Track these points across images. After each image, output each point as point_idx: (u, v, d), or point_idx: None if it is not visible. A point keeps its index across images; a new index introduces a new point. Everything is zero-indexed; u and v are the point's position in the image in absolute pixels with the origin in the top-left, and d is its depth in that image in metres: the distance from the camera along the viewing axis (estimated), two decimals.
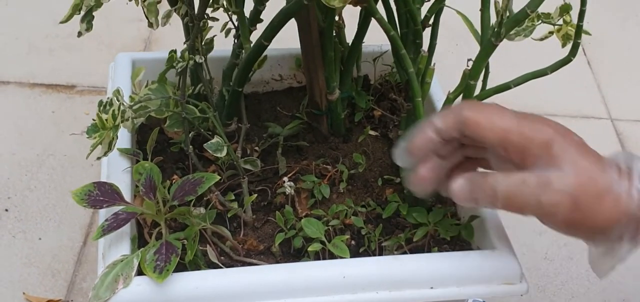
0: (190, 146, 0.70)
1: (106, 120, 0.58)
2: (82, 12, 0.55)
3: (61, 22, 0.54)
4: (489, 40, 0.64)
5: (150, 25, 0.61)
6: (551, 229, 0.58)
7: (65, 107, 1.21)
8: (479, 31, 0.67)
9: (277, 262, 0.67)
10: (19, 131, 1.15)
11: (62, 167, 1.10)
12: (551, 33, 0.72)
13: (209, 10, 0.67)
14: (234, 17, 0.72)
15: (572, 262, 1.01)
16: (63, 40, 1.36)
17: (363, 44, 0.78)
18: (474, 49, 0.67)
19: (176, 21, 0.71)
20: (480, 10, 0.65)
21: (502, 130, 0.56)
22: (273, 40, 0.69)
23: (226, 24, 0.74)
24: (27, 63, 1.30)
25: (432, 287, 0.62)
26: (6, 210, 1.03)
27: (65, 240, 0.99)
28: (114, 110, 0.58)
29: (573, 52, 0.65)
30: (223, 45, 0.78)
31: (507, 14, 0.63)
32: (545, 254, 1.02)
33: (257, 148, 0.77)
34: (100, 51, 1.34)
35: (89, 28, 0.56)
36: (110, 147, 0.59)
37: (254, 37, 0.71)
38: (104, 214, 0.64)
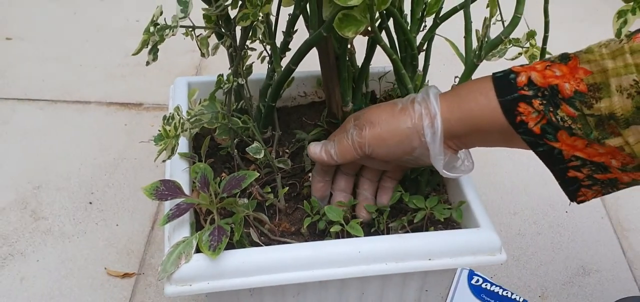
0: (235, 150, 0.70)
1: (169, 131, 0.58)
2: (149, 46, 0.55)
3: (133, 55, 0.54)
4: (471, 61, 0.64)
5: (203, 55, 0.61)
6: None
7: (135, 121, 1.22)
8: (464, 54, 0.66)
9: (306, 240, 0.66)
10: (98, 141, 1.16)
11: (133, 168, 1.10)
12: (520, 54, 0.71)
13: (248, 42, 0.67)
14: (268, 47, 0.72)
15: (540, 237, 1.00)
16: (132, 68, 1.37)
17: (370, 66, 0.78)
18: (459, 68, 0.66)
19: (221, 52, 0.71)
20: (464, 37, 0.64)
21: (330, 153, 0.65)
22: (299, 65, 0.69)
23: (261, 52, 0.74)
24: (104, 86, 1.31)
25: (430, 259, 0.62)
26: (90, 203, 1.03)
27: (137, 226, 1.00)
28: (175, 123, 0.58)
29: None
30: (259, 69, 0.78)
31: (486, 39, 0.63)
32: (518, 230, 1.01)
33: (287, 150, 0.77)
34: (161, 76, 1.34)
35: (155, 58, 0.56)
36: (172, 152, 0.59)
37: (284, 62, 0.71)
38: (168, 205, 0.64)
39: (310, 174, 0.72)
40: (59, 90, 1.29)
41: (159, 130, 0.60)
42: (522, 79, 0.54)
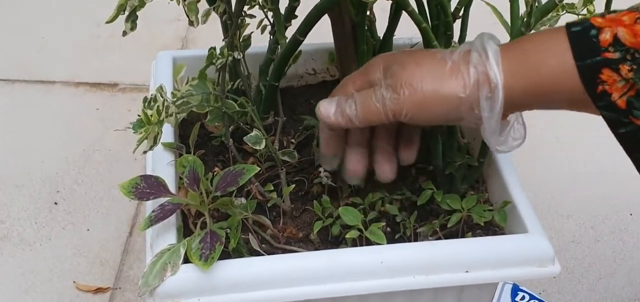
0: (231, 139, 0.69)
1: (151, 116, 0.58)
2: (127, 12, 0.54)
3: (107, 22, 0.54)
4: (518, 30, 0.63)
5: (191, 23, 0.60)
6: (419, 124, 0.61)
7: (109, 105, 1.22)
8: (508, 21, 0.66)
9: (316, 249, 0.66)
10: (65, 128, 1.17)
11: (107, 161, 1.11)
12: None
13: (246, 8, 0.66)
14: (270, 14, 0.71)
15: (599, 245, 1.00)
16: (105, 40, 1.37)
17: (394, 37, 0.77)
18: (503, 38, 0.66)
19: (211, 21, 0.71)
20: (510, 1, 0.64)
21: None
22: (307, 36, 0.69)
23: (262, 20, 0.74)
24: (72, 63, 1.31)
25: (467, 271, 0.61)
26: (56, 203, 1.03)
27: (112, 231, 1.00)
28: (158, 107, 0.57)
29: None
30: (259, 42, 0.78)
31: (536, 4, 0.62)
32: (573, 237, 1.01)
33: (293, 140, 0.77)
34: (140, 51, 1.34)
35: (133, 27, 0.56)
36: (155, 142, 0.59)
37: (289, 32, 0.71)
38: (150, 205, 0.64)
39: (321, 170, 0.71)
40: (16, 67, 1.29)
41: (139, 116, 0.60)
42: (606, 36, 0.50)
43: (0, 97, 1.23)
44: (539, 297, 0.90)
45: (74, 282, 0.93)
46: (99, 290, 0.92)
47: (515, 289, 0.91)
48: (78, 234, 0.99)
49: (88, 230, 1.00)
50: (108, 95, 1.24)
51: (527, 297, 0.90)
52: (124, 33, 0.55)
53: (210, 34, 1.37)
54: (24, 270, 0.94)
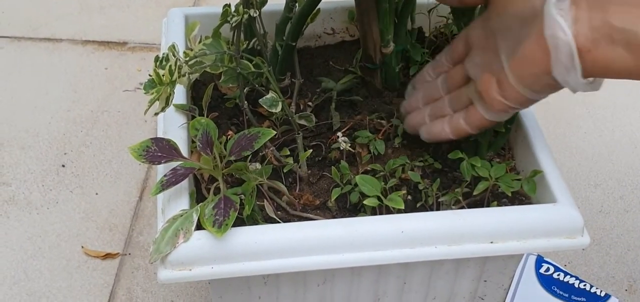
0: (245, 102, 0.69)
1: (163, 76, 0.57)
2: None
3: None
4: None
5: None
6: None
7: (118, 64, 1.21)
8: None
9: (333, 217, 0.66)
10: (72, 88, 1.16)
11: (116, 123, 1.10)
12: None
13: None
14: None
15: (628, 215, 0.99)
16: None
17: None
18: None
19: None
20: None
21: None
22: None
23: None
24: (79, 20, 1.30)
25: (492, 242, 0.61)
26: (63, 166, 1.04)
27: (121, 195, 1.00)
28: (170, 66, 0.57)
29: None
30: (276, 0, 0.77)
31: None
32: (601, 206, 1.00)
33: (310, 103, 0.76)
34: (149, 8, 1.34)
35: None
36: (167, 103, 0.59)
37: None
38: (162, 169, 0.64)
39: (338, 134, 0.71)
40: (22, 24, 1.29)
41: (150, 75, 0.59)
42: None
43: (6, 55, 1.23)
44: (564, 270, 0.90)
45: (82, 247, 0.93)
46: (108, 255, 0.92)
47: (540, 261, 0.91)
48: (86, 197, 0.99)
49: (97, 194, 1.00)
50: (117, 54, 1.23)
51: (552, 269, 0.90)
52: None
53: None
54: (31, 234, 0.94)
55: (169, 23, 0.79)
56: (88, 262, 0.91)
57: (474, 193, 0.65)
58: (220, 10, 0.78)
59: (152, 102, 0.58)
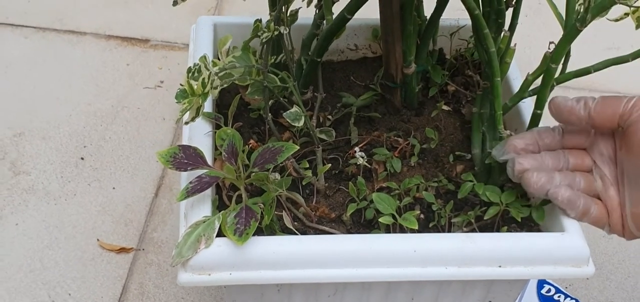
0: (269, 114, 0.71)
1: (196, 88, 0.60)
2: None
3: None
4: (573, 25, 0.64)
5: None
6: None
7: (140, 61, 1.24)
8: (563, 15, 0.67)
9: (348, 231, 0.68)
10: (94, 82, 1.19)
11: (135, 119, 1.13)
12: (627, 14, 0.71)
13: None
14: None
15: (630, 242, 1.01)
16: None
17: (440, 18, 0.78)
18: (555, 31, 0.67)
19: None
20: None
21: None
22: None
23: None
24: (103, 14, 1.33)
25: (500, 266, 0.63)
26: (82, 158, 1.07)
27: (138, 191, 1.03)
28: (203, 79, 0.60)
29: None
30: (303, 14, 0.79)
31: (593, 1, 0.63)
32: (603, 232, 1.02)
33: (330, 117, 0.79)
34: (172, 7, 1.36)
35: None
36: (198, 113, 0.62)
37: (335, 8, 0.72)
38: (186, 176, 0.66)
39: (355, 150, 0.73)
40: (48, 15, 1.32)
41: (181, 85, 0.62)
42: None
43: (30, 45, 1.26)
44: (565, 292, 0.92)
45: (97, 240, 0.96)
46: (122, 250, 0.95)
47: (542, 282, 0.94)
48: (104, 191, 1.02)
49: (114, 188, 1.03)
50: (139, 51, 1.26)
51: (553, 290, 0.93)
52: (175, 3, 0.57)
53: None
54: (48, 224, 0.97)
55: (198, 30, 0.82)
56: (103, 255, 0.95)
57: (485, 217, 0.68)
58: (246, 20, 0.82)
59: (183, 112, 0.60)
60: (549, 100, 0.67)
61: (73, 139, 1.09)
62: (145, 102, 1.17)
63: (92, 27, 1.30)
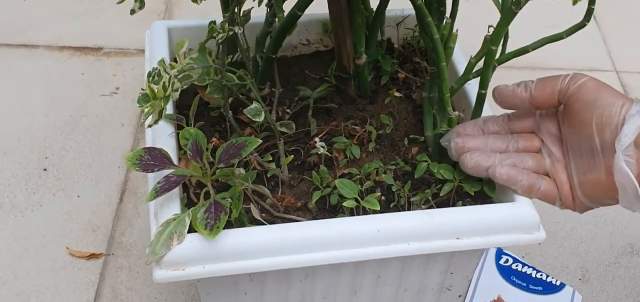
0: (230, 111, 0.73)
1: (157, 91, 0.61)
2: None
3: (118, 3, 0.57)
4: (509, 8, 0.67)
5: (195, 0, 0.64)
6: None
7: (94, 69, 1.25)
8: None
9: (314, 218, 0.71)
10: (51, 93, 1.19)
11: (94, 127, 1.14)
12: None
13: None
14: None
15: None
16: (87, 4, 1.39)
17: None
18: (492, 14, 0.70)
19: None
20: None
21: None
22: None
23: None
24: (54, 27, 1.33)
25: (458, 238, 0.66)
26: (45, 169, 1.07)
27: (103, 197, 1.04)
28: (165, 82, 0.61)
29: (588, 17, 0.69)
30: (255, 13, 0.81)
31: None
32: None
33: (288, 110, 0.81)
34: (123, 14, 1.35)
35: (142, 6, 0.59)
36: (160, 116, 0.63)
37: (285, 5, 0.74)
38: (152, 177, 0.68)
39: (315, 140, 0.75)
40: (0, 30, 1.31)
41: (142, 90, 0.64)
42: None
43: None
44: (522, 261, 0.96)
45: (67, 248, 0.97)
46: (92, 256, 0.96)
47: (500, 253, 0.97)
48: (69, 200, 1.03)
49: (78, 196, 1.03)
50: (93, 60, 1.26)
51: (510, 260, 0.96)
52: (132, 11, 0.59)
53: None
54: (17, 236, 0.97)
55: (153, 35, 0.83)
56: (73, 262, 0.95)
57: (441, 194, 0.71)
58: (199, 22, 0.83)
59: (147, 116, 0.62)
60: (491, 89, 0.70)
61: (34, 151, 1.09)
62: (103, 109, 1.17)
63: (44, 40, 1.30)
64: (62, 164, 1.08)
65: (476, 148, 0.68)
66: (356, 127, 0.79)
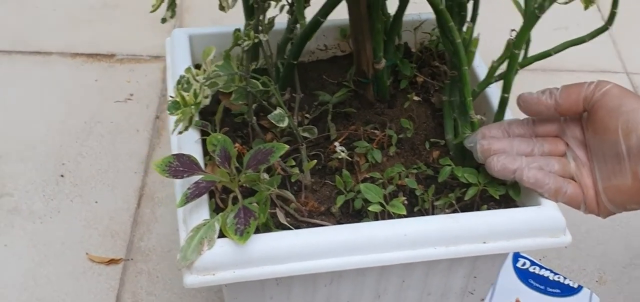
0: (254, 117, 0.74)
1: (188, 98, 0.62)
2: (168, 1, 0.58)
3: (151, 11, 0.58)
4: (532, 12, 0.68)
5: (222, 8, 0.64)
6: None
7: (107, 76, 1.25)
8: (521, 2, 0.70)
9: (338, 222, 0.71)
10: (65, 100, 1.20)
11: (110, 133, 1.14)
12: None
13: None
14: None
15: None
16: (99, 11, 1.39)
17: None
18: (515, 18, 0.71)
19: None
20: None
21: None
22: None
23: (279, 0, 0.78)
24: (67, 34, 1.33)
25: (484, 242, 0.67)
26: (62, 176, 1.07)
27: (120, 203, 1.04)
28: (195, 90, 0.62)
29: (610, 21, 0.69)
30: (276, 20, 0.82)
31: None
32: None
33: (307, 115, 0.81)
34: (134, 21, 1.37)
35: (173, 15, 0.60)
36: (190, 123, 0.64)
37: (307, 12, 0.74)
38: (180, 183, 0.68)
39: (335, 144, 0.76)
40: (11, 38, 1.31)
41: (171, 97, 0.64)
42: None
43: None
44: (539, 263, 0.97)
45: (86, 254, 0.97)
46: (111, 261, 0.96)
47: (516, 256, 0.98)
48: (87, 206, 1.03)
49: (96, 202, 1.04)
50: (106, 66, 1.27)
51: (528, 263, 0.97)
52: (164, 20, 0.59)
53: (204, 2, 1.41)
54: (36, 243, 0.98)
55: (174, 43, 0.84)
56: (93, 268, 0.96)
57: (465, 198, 0.71)
58: (220, 30, 0.84)
59: (177, 123, 0.62)
60: (516, 96, 0.71)
61: (51, 158, 1.09)
62: (118, 115, 1.17)
63: (58, 47, 1.30)
64: (79, 170, 1.08)
65: (502, 150, 0.69)
66: (376, 131, 0.79)
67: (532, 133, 0.71)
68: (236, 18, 0.81)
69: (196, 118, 0.72)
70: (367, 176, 0.74)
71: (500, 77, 0.73)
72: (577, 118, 0.70)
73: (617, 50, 1.37)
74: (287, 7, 0.77)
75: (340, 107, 0.83)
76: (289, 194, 0.71)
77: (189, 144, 0.71)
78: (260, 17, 0.69)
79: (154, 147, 1.12)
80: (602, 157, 0.67)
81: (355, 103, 0.83)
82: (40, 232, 0.99)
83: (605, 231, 1.03)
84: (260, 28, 0.70)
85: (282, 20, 0.80)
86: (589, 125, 0.68)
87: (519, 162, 0.68)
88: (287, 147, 0.66)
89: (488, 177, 0.71)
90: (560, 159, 0.70)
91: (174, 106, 0.62)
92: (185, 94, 0.62)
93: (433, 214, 0.71)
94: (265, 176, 0.72)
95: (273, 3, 0.70)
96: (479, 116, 0.74)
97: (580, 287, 0.93)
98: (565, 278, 0.95)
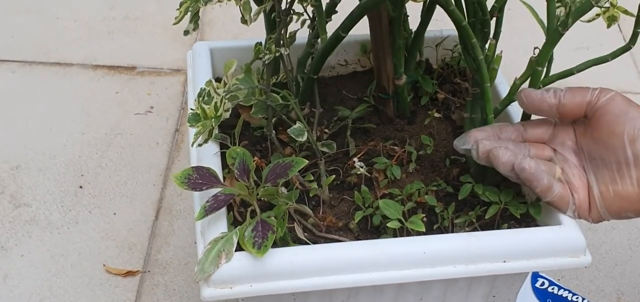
0: (273, 131, 0.73)
1: (208, 111, 0.62)
2: (190, 13, 0.58)
3: (174, 23, 0.58)
4: (555, 30, 0.67)
5: (245, 22, 0.64)
6: None
7: (128, 88, 1.25)
8: (544, 20, 0.70)
9: (356, 238, 0.70)
10: (85, 111, 1.20)
11: (129, 145, 1.14)
12: (598, 15, 0.75)
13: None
14: (309, 9, 0.75)
15: (615, 232, 1.05)
16: (120, 22, 1.40)
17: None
18: (537, 36, 0.70)
19: (225, 5, 0.73)
20: (547, 1, 0.68)
21: None
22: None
23: (301, 14, 0.78)
24: (88, 45, 1.34)
25: (504, 261, 0.66)
26: (80, 187, 1.07)
27: (138, 214, 1.04)
28: (216, 103, 0.61)
29: (633, 41, 0.68)
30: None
31: (574, 4, 0.66)
32: (590, 225, 1.05)
33: (326, 130, 0.81)
34: (156, 33, 1.38)
35: (196, 27, 0.60)
36: (210, 136, 0.63)
37: (328, 27, 0.74)
38: (198, 196, 0.68)
39: (354, 160, 0.75)
40: (33, 49, 1.32)
41: (192, 110, 0.64)
42: None
43: (18, 79, 1.26)
44: (558, 284, 0.95)
45: (103, 265, 0.97)
46: (128, 273, 0.96)
47: (535, 276, 0.96)
48: (105, 217, 1.03)
49: (114, 214, 1.04)
50: (126, 79, 1.27)
51: (547, 283, 0.96)
52: (186, 32, 0.59)
53: (226, 17, 1.41)
54: (54, 253, 0.98)
55: (195, 56, 0.84)
56: (110, 279, 0.95)
57: (486, 217, 0.70)
58: (240, 43, 0.84)
59: (198, 135, 0.62)
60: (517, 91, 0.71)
61: (70, 169, 1.10)
62: (138, 128, 1.18)
63: (78, 58, 1.30)
64: (98, 181, 1.08)
65: (500, 147, 0.68)
66: (395, 147, 0.79)
67: (521, 138, 0.71)
68: (257, 32, 0.81)
69: (216, 131, 0.71)
70: (386, 192, 0.74)
71: None
72: (568, 124, 0.70)
73: (638, 70, 1.35)
74: (308, 22, 0.77)
75: (359, 123, 0.82)
76: (307, 209, 0.70)
77: (208, 156, 0.71)
78: (282, 31, 0.69)
79: (173, 160, 1.12)
80: (602, 162, 0.66)
81: (374, 119, 0.83)
82: (58, 243, 0.99)
83: (625, 252, 1.02)
84: (281, 42, 0.69)
85: (303, 34, 0.79)
86: (590, 130, 0.68)
87: (518, 153, 0.68)
88: (306, 161, 0.66)
89: (510, 196, 0.70)
90: (546, 162, 0.69)
91: (195, 118, 0.62)
92: (205, 106, 0.62)
93: (453, 231, 0.71)
94: (284, 190, 0.71)
95: (295, 17, 0.70)
96: None
97: None
98: (583, 299, 0.93)
